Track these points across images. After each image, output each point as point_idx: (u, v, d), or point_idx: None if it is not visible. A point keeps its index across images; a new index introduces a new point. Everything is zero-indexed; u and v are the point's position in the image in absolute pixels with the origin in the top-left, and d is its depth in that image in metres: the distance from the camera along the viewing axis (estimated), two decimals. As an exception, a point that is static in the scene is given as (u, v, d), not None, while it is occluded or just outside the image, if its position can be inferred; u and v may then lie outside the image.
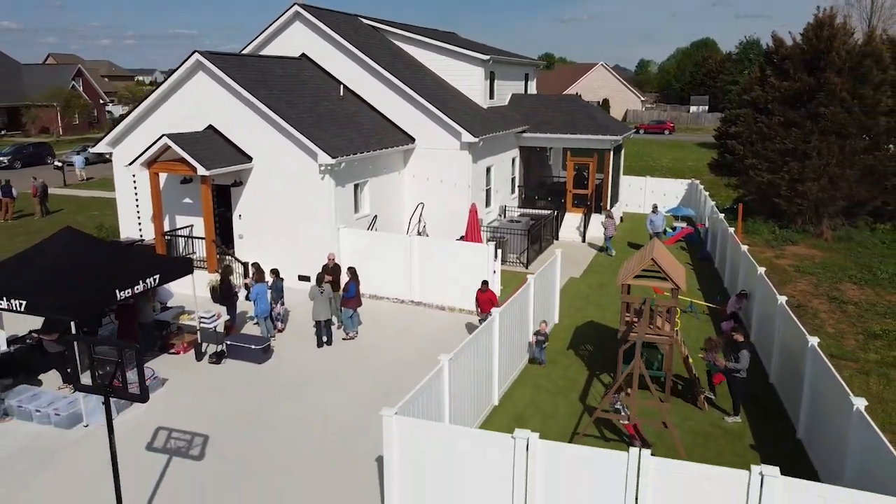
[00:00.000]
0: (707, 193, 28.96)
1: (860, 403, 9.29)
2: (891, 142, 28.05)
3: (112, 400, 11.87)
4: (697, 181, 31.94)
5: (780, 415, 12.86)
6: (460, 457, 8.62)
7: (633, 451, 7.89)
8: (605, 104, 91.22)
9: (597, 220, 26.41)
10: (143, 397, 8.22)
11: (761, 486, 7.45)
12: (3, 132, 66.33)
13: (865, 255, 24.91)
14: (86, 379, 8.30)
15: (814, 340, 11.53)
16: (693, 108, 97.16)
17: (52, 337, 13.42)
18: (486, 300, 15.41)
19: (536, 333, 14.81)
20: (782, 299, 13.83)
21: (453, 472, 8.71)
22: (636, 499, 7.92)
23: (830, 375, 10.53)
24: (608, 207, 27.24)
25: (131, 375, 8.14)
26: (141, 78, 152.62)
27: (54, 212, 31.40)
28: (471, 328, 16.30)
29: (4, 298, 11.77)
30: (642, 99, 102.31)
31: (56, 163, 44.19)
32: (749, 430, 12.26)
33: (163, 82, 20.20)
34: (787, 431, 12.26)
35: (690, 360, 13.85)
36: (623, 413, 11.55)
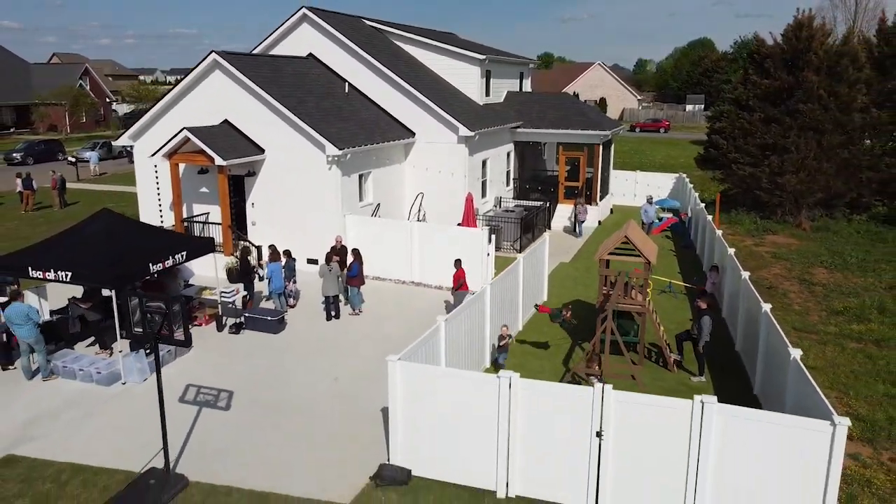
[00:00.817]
0: (691, 186, 30.50)
1: (797, 354, 10.84)
2: (865, 137, 29.56)
3: (147, 360, 13.53)
4: (685, 176, 33.46)
5: (741, 376, 14.42)
6: (454, 395, 10.15)
7: (598, 385, 9.43)
8: (602, 103, 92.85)
9: (588, 211, 27.98)
10: (186, 342, 9.76)
11: (702, 411, 9.00)
12: (12, 130, 67.93)
13: (839, 244, 26.43)
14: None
15: (767, 306, 13.08)
16: (689, 107, 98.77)
17: (88, 305, 14.99)
18: (456, 277, 16.84)
19: (499, 338, 14.41)
20: (745, 274, 15.39)
21: (448, 408, 10.23)
22: (600, 425, 9.46)
23: (777, 334, 12.08)
24: (597, 199, 28.80)
25: (175, 327, 9.69)
26: (143, 77, 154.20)
27: (71, 204, 32.97)
28: (449, 308, 17.49)
29: (52, 270, 13.32)
30: (639, 98, 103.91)
31: (69, 158, 45.75)
32: (712, 388, 13.82)
33: (179, 81, 21.76)
34: (746, 389, 13.82)
35: (662, 329, 15.39)
36: (595, 370, 13.09)
